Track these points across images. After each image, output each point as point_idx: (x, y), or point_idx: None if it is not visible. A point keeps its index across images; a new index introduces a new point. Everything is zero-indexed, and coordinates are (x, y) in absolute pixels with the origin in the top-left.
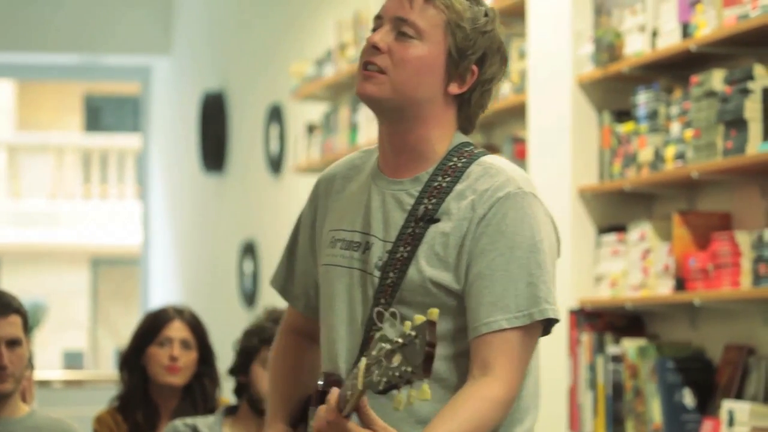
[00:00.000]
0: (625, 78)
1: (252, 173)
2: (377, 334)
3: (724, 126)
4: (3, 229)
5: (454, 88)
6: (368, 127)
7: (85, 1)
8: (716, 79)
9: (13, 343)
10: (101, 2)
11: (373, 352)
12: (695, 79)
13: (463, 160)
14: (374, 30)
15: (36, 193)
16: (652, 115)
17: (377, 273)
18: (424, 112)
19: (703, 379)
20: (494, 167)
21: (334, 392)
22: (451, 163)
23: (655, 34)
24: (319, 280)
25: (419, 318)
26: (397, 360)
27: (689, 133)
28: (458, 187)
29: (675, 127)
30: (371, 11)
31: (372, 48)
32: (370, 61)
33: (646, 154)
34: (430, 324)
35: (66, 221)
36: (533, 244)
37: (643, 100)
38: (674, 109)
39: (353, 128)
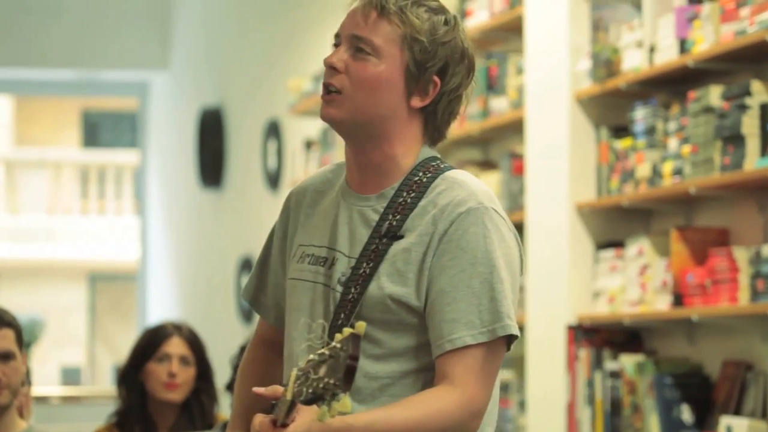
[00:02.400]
0: (622, 94)
1: (250, 189)
2: (303, 345)
3: (721, 142)
4: (0, 245)
5: (417, 102)
6: None
7: (83, 16)
8: (714, 94)
9: (6, 356)
10: (99, 18)
11: (301, 364)
12: (693, 94)
13: (428, 174)
14: (334, 48)
15: (34, 208)
16: (650, 131)
17: (339, 288)
18: (387, 128)
19: (701, 395)
20: (457, 182)
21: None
22: (417, 178)
23: (652, 49)
24: (286, 292)
25: (347, 331)
26: (322, 371)
27: (687, 149)
28: (422, 202)
29: (673, 143)
30: None
31: (329, 69)
32: (328, 83)
33: (643, 170)
34: (355, 337)
35: (63, 237)
36: (494, 259)
37: (640, 115)
38: (672, 125)
39: None
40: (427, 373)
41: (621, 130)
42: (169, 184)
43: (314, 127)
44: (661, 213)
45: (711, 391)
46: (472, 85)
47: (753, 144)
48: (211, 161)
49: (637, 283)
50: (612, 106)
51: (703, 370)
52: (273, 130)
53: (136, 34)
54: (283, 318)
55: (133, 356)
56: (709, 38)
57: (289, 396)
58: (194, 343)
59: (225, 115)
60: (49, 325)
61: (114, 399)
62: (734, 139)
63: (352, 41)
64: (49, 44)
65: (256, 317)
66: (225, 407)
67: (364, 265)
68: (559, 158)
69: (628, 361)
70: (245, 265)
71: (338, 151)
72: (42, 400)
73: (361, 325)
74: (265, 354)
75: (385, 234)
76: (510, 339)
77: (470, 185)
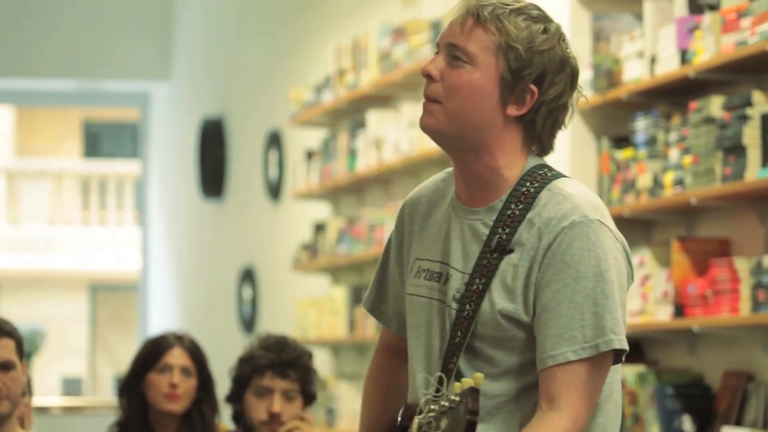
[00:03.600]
0: (623, 104)
1: (251, 199)
2: (424, 398)
3: (722, 152)
4: (1, 255)
5: (513, 110)
6: (367, 153)
7: (84, 26)
8: (715, 105)
9: (6, 366)
10: (100, 28)
11: (423, 414)
12: (694, 105)
13: (536, 184)
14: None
15: (35, 218)
16: (651, 141)
17: (455, 305)
18: (484, 138)
19: (703, 406)
20: (562, 193)
21: None
22: (524, 189)
23: (653, 60)
24: (405, 307)
25: (467, 382)
26: (444, 423)
27: (688, 160)
28: (529, 215)
29: (674, 153)
30: (370, 37)
31: (426, 77)
32: (425, 93)
33: (644, 180)
34: (474, 391)
35: (64, 247)
36: (599, 273)
37: (641, 126)
38: (673, 136)
39: (352, 154)
40: (534, 390)
41: (622, 141)
42: (170, 194)
43: (315, 137)
44: (662, 223)
45: (712, 402)
46: (578, 94)
47: (754, 154)
48: (212, 172)
49: (638, 293)
50: (613, 117)
51: (704, 381)
52: (274, 141)
53: (137, 45)
54: (405, 327)
55: (134, 367)
56: (710, 49)
57: None
58: (195, 354)
59: (226, 126)
60: (50, 336)
61: (115, 409)
62: (735, 150)
63: (449, 49)
64: (50, 55)
65: (257, 327)
66: (226, 418)
67: (477, 281)
68: (561, 168)
69: (629, 372)
70: (246, 275)
71: (339, 161)
72: (43, 410)
73: (479, 377)
74: (390, 361)
75: (495, 248)
76: (619, 352)
77: (575, 196)
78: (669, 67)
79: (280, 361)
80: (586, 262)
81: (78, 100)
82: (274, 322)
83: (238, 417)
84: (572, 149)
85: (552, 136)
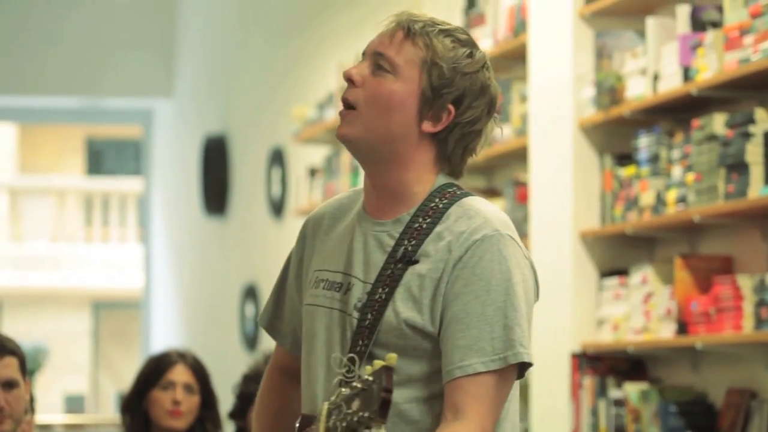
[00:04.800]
0: (626, 121)
1: (254, 216)
2: (336, 379)
3: (725, 170)
4: (4, 272)
5: (428, 126)
6: None
7: (87, 44)
8: (717, 122)
9: (9, 384)
10: (102, 45)
11: (333, 398)
12: (696, 122)
13: (445, 201)
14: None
15: (37, 236)
16: (654, 159)
17: (356, 314)
18: (399, 150)
19: (706, 423)
20: (473, 209)
21: None
22: (433, 204)
23: (656, 77)
24: (302, 319)
25: (378, 363)
26: (356, 405)
27: (691, 177)
28: (437, 228)
29: (676, 171)
30: None
31: (348, 81)
32: (344, 98)
33: (647, 198)
34: (387, 370)
35: (67, 264)
36: (509, 286)
37: (644, 143)
38: (676, 153)
39: (355, 171)
40: (439, 400)
41: (625, 158)
42: (173, 211)
43: (318, 154)
44: (665, 241)
45: (715, 420)
46: (493, 124)
47: (757, 172)
48: (215, 189)
49: (641, 311)
50: (616, 134)
51: (707, 399)
52: (277, 158)
53: (139, 62)
54: (299, 344)
55: (137, 384)
56: (712, 66)
57: (322, 430)
58: (198, 371)
59: (229, 143)
60: (53, 353)
61: (118, 427)
62: (738, 167)
63: (374, 57)
64: (53, 72)
65: (260, 345)
66: None
67: (380, 290)
68: (563, 186)
69: (632, 389)
70: (249, 292)
71: (342, 179)
72: (45, 428)
73: (392, 357)
74: (282, 381)
75: (401, 259)
76: (522, 367)
77: (486, 213)
78: (672, 84)
79: None
80: (497, 276)
81: (81, 118)
82: None
83: None
84: (575, 166)
85: (462, 160)
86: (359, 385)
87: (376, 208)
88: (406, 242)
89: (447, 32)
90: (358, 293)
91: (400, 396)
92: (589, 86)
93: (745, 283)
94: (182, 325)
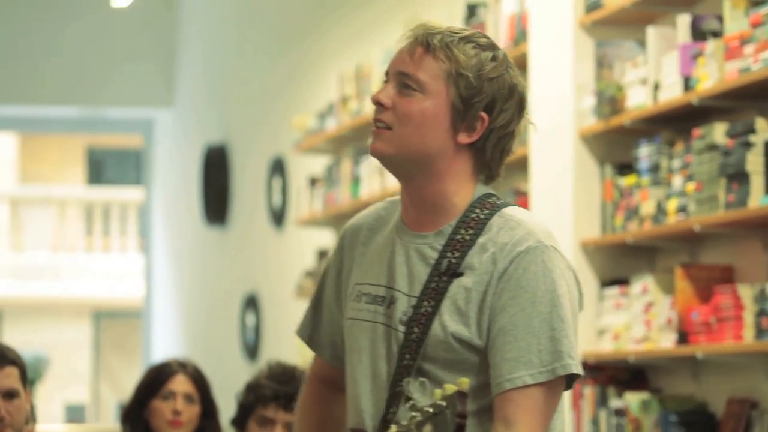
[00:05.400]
0: (626, 131)
1: (254, 226)
2: (407, 404)
3: (726, 179)
4: (5, 282)
5: (464, 138)
6: (370, 180)
7: (88, 54)
8: (718, 132)
9: (10, 394)
10: (104, 55)
11: (404, 422)
12: (697, 132)
13: (486, 211)
14: (383, 85)
15: (38, 245)
16: (654, 168)
17: (402, 328)
18: (435, 164)
19: None
20: (514, 219)
21: None
22: (474, 215)
23: (656, 87)
24: (344, 332)
25: (450, 387)
26: (427, 430)
27: (691, 186)
28: (480, 239)
29: (677, 180)
30: (373, 64)
31: (377, 105)
32: (377, 119)
33: (648, 207)
34: (461, 395)
35: (68, 274)
36: (554, 298)
37: (645, 153)
38: (676, 162)
39: (355, 181)
40: (488, 414)
41: (625, 168)
42: (174, 221)
43: (319, 164)
44: (665, 250)
45: (716, 429)
46: (526, 122)
47: (757, 181)
48: (216, 198)
49: (641, 320)
50: (616, 144)
51: (708, 408)
52: (278, 168)
53: (140, 72)
54: (338, 355)
55: (137, 393)
56: (713, 76)
57: None
58: (199, 381)
59: (229, 153)
60: (54, 363)
61: None
62: (739, 177)
63: (399, 78)
64: (54, 82)
65: (260, 355)
66: None
67: (425, 303)
68: (564, 195)
69: (633, 399)
70: (250, 302)
71: (343, 188)
72: None
73: (464, 382)
74: (323, 391)
75: (445, 272)
76: (571, 378)
77: (528, 223)
78: (672, 93)
79: (285, 394)
80: (542, 287)
81: (82, 127)
82: (278, 349)
83: None
84: (575, 176)
85: (499, 163)
86: (431, 410)
87: (415, 221)
88: (449, 254)
89: (467, 39)
90: (402, 307)
91: None
92: (590, 96)
93: (746, 293)
94: (183, 334)
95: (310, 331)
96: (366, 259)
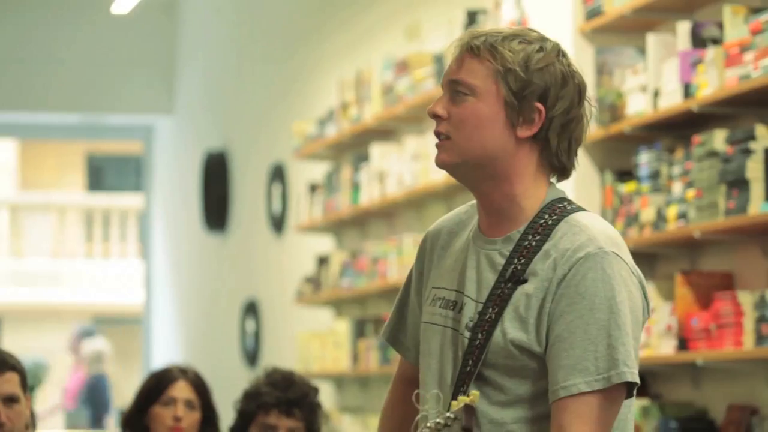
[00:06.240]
0: (626, 138)
1: (254, 232)
2: (419, 415)
3: (726, 186)
4: (5, 288)
5: (524, 131)
6: (370, 186)
7: (88, 61)
8: (718, 139)
9: (10, 400)
10: (104, 62)
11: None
12: (697, 139)
13: (554, 217)
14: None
15: (38, 252)
16: (654, 175)
17: (467, 333)
18: (500, 165)
19: None
20: (579, 225)
21: None
22: (542, 221)
23: (656, 94)
24: (420, 335)
25: (462, 399)
26: None
27: (691, 193)
28: (545, 246)
29: (677, 187)
30: (373, 70)
31: (434, 118)
32: (437, 132)
33: (648, 214)
34: (468, 408)
35: (68, 280)
36: (613, 305)
37: (645, 159)
38: (676, 169)
39: (355, 187)
40: (546, 421)
41: (625, 174)
42: (174, 227)
43: (319, 170)
44: (665, 257)
45: None
46: (591, 109)
47: (757, 188)
48: (216, 205)
49: None
50: (616, 150)
51: (708, 415)
52: (277, 174)
53: (140, 79)
54: None
55: (138, 400)
56: (713, 83)
57: None
58: (200, 387)
59: (229, 159)
60: (53, 369)
61: None
62: (738, 184)
63: (451, 86)
64: (54, 88)
65: (260, 361)
66: None
67: (490, 310)
68: None
69: None
70: (250, 308)
71: (343, 195)
72: None
73: (475, 395)
74: (407, 393)
75: (510, 278)
76: (631, 386)
77: (592, 229)
78: (672, 100)
79: (287, 400)
80: (601, 294)
81: (82, 134)
82: (278, 355)
83: None
84: (576, 183)
85: (570, 153)
86: (442, 421)
87: (488, 226)
88: (515, 261)
89: (512, 36)
90: (470, 312)
91: (508, 416)
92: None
93: (746, 300)
94: (183, 340)
95: (395, 333)
96: (443, 263)
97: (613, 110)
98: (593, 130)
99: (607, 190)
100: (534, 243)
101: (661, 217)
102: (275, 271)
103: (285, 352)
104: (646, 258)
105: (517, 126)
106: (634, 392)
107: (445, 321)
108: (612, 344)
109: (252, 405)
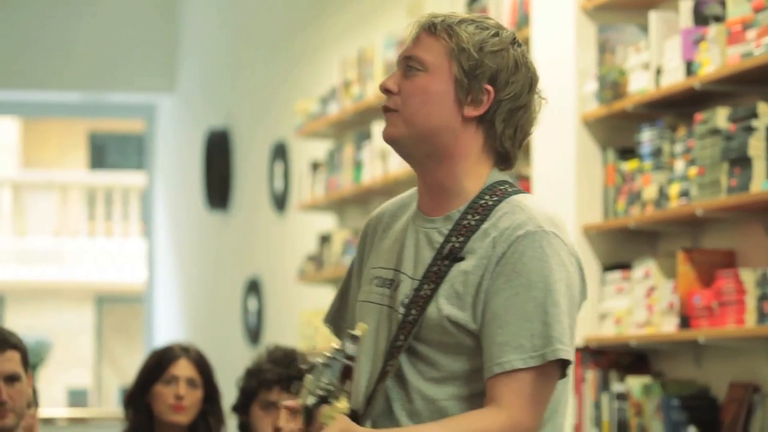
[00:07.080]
0: (629, 116)
1: (256, 211)
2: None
3: (728, 163)
4: (8, 267)
5: (470, 111)
6: (372, 165)
7: (90, 39)
8: (720, 116)
9: (11, 378)
10: (106, 40)
11: (313, 373)
12: (699, 116)
13: (495, 198)
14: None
15: (41, 230)
16: (657, 153)
17: (402, 310)
18: (444, 143)
19: (708, 417)
20: (519, 205)
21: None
22: (482, 201)
23: (659, 71)
24: (355, 314)
25: (353, 332)
26: (325, 375)
27: (693, 171)
28: (484, 225)
29: (679, 165)
30: (375, 49)
31: (385, 92)
32: (384, 106)
33: (650, 192)
34: (353, 338)
35: (70, 259)
36: (549, 283)
37: (647, 137)
38: (678, 147)
39: (357, 166)
40: (481, 398)
41: (628, 152)
42: (176, 206)
43: (321, 148)
44: (667, 235)
45: (718, 414)
46: (539, 102)
47: (760, 166)
48: (218, 183)
49: (643, 304)
50: (618, 128)
51: (709, 393)
52: (280, 152)
53: (142, 57)
54: None
55: (140, 378)
56: (715, 60)
57: (300, 402)
58: (202, 365)
59: (231, 137)
60: (56, 347)
61: (121, 421)
62: (741, 161)
63: (404, 62)
64: (57, 66)
65: (263, 339)
66: (232, 429)
67: (425, 286)
68: (566, 180)
69: (634, 383)
70: (252, 286)
71: (345, 173)
72: (48, 422)
73: (362, 327)
74: None
75: (447, 256)
76: (565, 364)
77: (532, 209)
78: (674, 78)
79: (288, 377)
80: (538, 272)
81: (84, 112)
82: (280, 333)
83: (244, 428)
84: (577, 161)
85: (515, 141)
86: (330, 355)
87: (429, 206)
88: (453, 239)
89: (470, 21)
90: (405, 290)
91: (442, 393)
92: (592, 80)
93: (748, 277)
94: (185, 319)
95: (335, 318)
96: (383, 244)
97: (615, 88)
98: (595, 107)
99: (609, 168)
100: (473, 222)
101: (663, 195)
102: (277, 250)
103: (287, 330)
104: (648, 236)
105: (465, 105)
106: (568, 371)
107: (382, 299)
108: (548, 322)
109: (253, 382)
